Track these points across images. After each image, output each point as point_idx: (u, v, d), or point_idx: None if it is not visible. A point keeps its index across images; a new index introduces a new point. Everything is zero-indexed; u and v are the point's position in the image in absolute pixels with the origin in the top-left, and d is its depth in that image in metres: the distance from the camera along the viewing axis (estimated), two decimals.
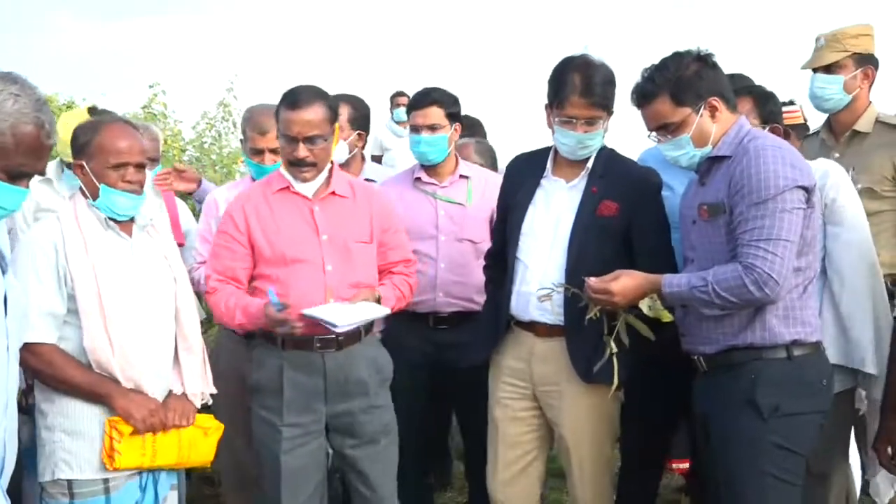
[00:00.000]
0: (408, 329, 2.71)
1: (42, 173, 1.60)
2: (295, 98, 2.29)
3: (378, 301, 2.33)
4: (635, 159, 2.61)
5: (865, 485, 2.63)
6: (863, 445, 2.51)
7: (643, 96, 2.09)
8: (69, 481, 2.01)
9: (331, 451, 2.43)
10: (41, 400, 2.06)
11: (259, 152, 2.72)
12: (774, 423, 1.95)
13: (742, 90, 2.28)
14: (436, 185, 2.89)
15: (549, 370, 2.35)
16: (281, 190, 2.36)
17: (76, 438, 2.03)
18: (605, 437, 2.39)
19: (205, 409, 2.26)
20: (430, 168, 2.90)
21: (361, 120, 3.17)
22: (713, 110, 2.05)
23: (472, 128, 3.62)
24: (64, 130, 2.39)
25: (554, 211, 2.35)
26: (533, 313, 2.34)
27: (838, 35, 2.80)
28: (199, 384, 2.21)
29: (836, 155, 2.79)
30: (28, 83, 1.51)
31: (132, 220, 2.15)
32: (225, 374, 2.60)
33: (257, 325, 2.27)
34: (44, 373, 2.02)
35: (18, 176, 1.52)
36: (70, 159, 2.38)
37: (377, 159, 6.15)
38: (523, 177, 2.45)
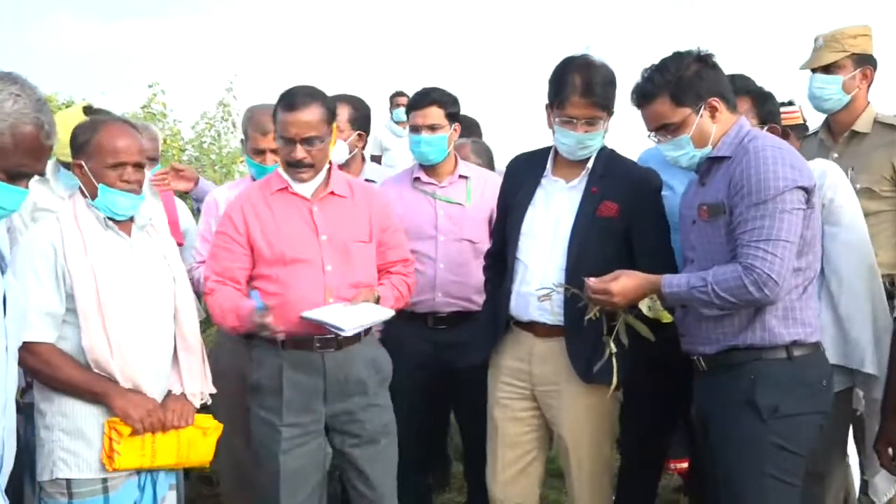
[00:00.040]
0: (407, 329, 2.71)
1: (42, 174, 1.60)
2: (292, 99, 2.29)
3: (377, 301, 2.33)
4: (635, 160, 2.61)
5: (864, 485, 2.63)
6: (861, 446, 2.52)
7: (643, 96, 2.09)
8: (68, 480, 2.01)
9: (330, 450, 2.43)
10: (40, 399, 2.06)
11: (261, 152, 2.72)
12: (774, 423, 1.95)
13: (740, 90, 2.28)
14: (435, 185, 2.89)
15: (548, 370, 2.35)
16: (279, 190, 2.36)
17: (75, 438, 2.02)
18: (603, 438, 2.39)
19: (204, 408, 2.26)
20: (430, 168, 2.90)
21: (362, 120, 3.17)
22: (713, 111, 2.05)
23: (468, 128, 3.62)
24: (60, 130, 2.38)
25: (554, 211, 2.35)
26: (532, 313, 2.34)
27: (837, 35, 2.81)
28: (198, 384, 2.20)
29: (835, 155, 2.80)
30: (28, 83, 1.51)
31: (131, 219, 2.15)
32: (224, 373, 2.59)
33: (248, 329, 2.27)
34: (42, 372, 2.02)
35: (18, 176, 1.51)
36: (66, 158, 2.38)
37: (377, 159, 6.15)
38: (523, 177, 2.45)
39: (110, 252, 2.08)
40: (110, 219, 2.10)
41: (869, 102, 2.84)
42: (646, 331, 2.13)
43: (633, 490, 2.71)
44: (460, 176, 2.92)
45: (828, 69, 2.80)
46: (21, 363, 1.77)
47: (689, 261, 2.14)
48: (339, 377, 2.31)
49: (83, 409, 2.03)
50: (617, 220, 2.29)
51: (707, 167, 2.09)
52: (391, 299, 2.38)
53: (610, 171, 2.33)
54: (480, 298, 2.68)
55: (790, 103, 3.58)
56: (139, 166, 2.11)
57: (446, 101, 2.86)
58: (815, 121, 3.19)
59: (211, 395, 2.26)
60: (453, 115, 2.87)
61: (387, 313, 2.31)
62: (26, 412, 2.10)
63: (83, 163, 2.08)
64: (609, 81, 2.27)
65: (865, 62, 2.81)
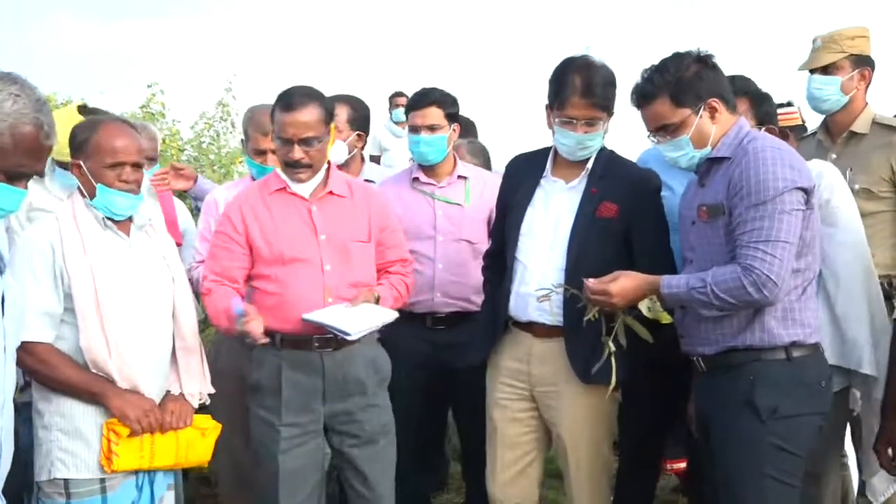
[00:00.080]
0: (405, 329, 2.70)
1: (41, 174, 1.59)
2: (289, 100, 2.29)
3: (377, 301, 2.33)
4: (634, 160, 2.62)
5: (862, 485, 2.63)
6: (859, 446, 2.52)
7: (643, 97, 2.09)
8: (65, 480, 2.01)
9: (329, 451, 2.43)
10: (38, 399, 2.06)
11: (262, 153, 2.72)
12: (773, 424, 1.95)
13: (738, 91, 2.29)
14: (434, 185, 2.90)
15: (547, 371, 2.35)
16: (278, 190, 2.36)
17: (73, 438, 2.02)
18: (602, 438, 2.39)
19: (203, 408, 2.26)
20: (429, 168, 2.90)
21: (361, 121, 3.17)
22: (713, 111, 2.05)
23: (465, 128, 3.62)
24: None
25: (553, 212, 2.35)
26: (532, 314, 2.34)
27: (835, 36, 2.81)
28: (197, 384, 2.20)
29: (833, 156, 2.80)
30: (28, 83, 1.51)
31: (130, 219, 2.15)
32: (223, 373, 2.59)
33: (229, 328, 2.24)
34: (40, 372, 2.02)
35: (17, 177, 1.51)
36: (61, 157, 2.37)
37: (376, 160, 6.15)
38: (522, 177, 2.45)
39: (109, 252, 2.08)
40: (109, 218, 2.10)
41: (867, 103, 2.84)
42: (644, 332, 2.13)
43: (632, 490, 2.71)
44: (459, 176, 2.92)
45: (826, 70, 2.81)
46: (19, 363, 1.77)
47: (689, 261, 2.14)
48: (337, 377, 2.31)
49: (81, 409, 2.03)
50: (616, 220, 2.29)
51: (706, 168, 2.09)
52: (390, 299, 2.38)
53: (609, 172, 2.33)
54: (479, 299, 2.68)
55: (789, 104, 3.58)
56: (137, 166, 2.10)
57: (446, 102, 2.86)
58: (813, 122, 3.19)
59: (210, 394, 2.26)
60: (453, 116, 2.87)
61: (390, 315, 2.31)
62: (24, 412, 2.10)
63: (81, 163, 2.08)
64: (609, 82, 2.28)
65: (863, 63, 2.82)
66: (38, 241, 2.03)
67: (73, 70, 12.86)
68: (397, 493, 2.47)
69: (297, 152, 2.28)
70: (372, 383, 2.37)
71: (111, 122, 2.14)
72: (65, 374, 2.00)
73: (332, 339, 2.29)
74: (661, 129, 2.08)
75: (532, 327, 2.36)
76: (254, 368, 2.36)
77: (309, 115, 2.27)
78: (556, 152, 2.39)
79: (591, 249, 2.27)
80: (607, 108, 2.29)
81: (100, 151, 2.06)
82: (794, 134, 3.15)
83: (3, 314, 1.54)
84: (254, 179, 2.70)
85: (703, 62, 2.07)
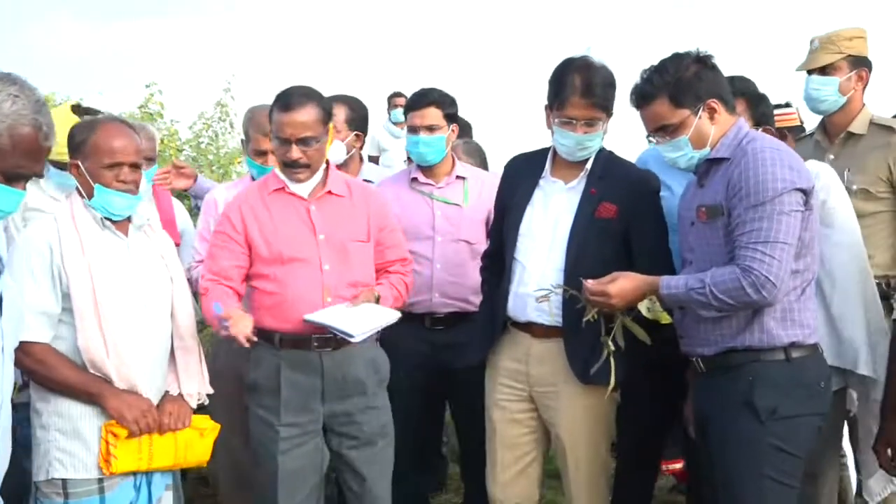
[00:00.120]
0: (404, 330, 2.70)
1: (40, 175, 1.59)
2: (287, 100, 2.29)
3: (377, 301, 2.33)
4: (633, 161, 2.62)
5: (860, 485, 2.63)
6: (857, 447, 2.52)
7: (642, 97, 2.09)
8: (63, 481, 2.01)
9: (327, 452, 2.43)
10: (36, 399, 2.06)
11: (262, 153, 2.72)
12: (772, 425, 1.95)
13: (735, 92, 2.29)
14: (432, 185, 2.90)
15: (546, 371, 2.35)
16: (276, 190, 2.36)
17: (71, 438, 2.02)
18: (601, 438, 2.39)
19: (202, 408, 2.25)
20: (427, 169, 2.90)
21: (359, 121, 3.17)
22: (712, 112, 2.05)
23: (460, 129, 3.63)
24: None
25: (552, 212, 2.36)
26: (530, 314, 2.34)
27: (833, 37, 2.82)
28: (196, 384, 2.20)
29: (831, 156, 2.81)
30: (27, 84, 1.50)
31: (129, 219, 2.15)
32: (223, 373, 2.59)
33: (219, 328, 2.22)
34: (38, 373, 2.01)
35: (15, 178, 1.51)
36: (55, 157, 2.37)
37: (374, 160, 6.15)
38: (521, 177, 2.45)
39: (107, 252, 2.08)
40: (107, 219, 2.10)
41: (864, 104, 2.85)
42: (642, 334, 2.13)
43: (631, 491, 2.71)
44: (458, 177, 2.92)
45: (824, 71, 2.82)
46: (17, 363, 1.77)
47: (688, 262, 2.14)
48: (336, 377, 2.31)
49: (79, 410, 2.03)
50: (616, 221, 2.29)
51: (706, 168, 2.09)
52: (390, 299, 2.38)
53: (609, 173, 2.34)
54: (477, 299, 2.68)
55: (787, 105, 3.58)
56: (136, 167, 2.10)
57: (445, 102, 2.86)
58: (811, 123, 3.20)
59: (209, 395, 2.26)
60: (451, 116, 2.87)
61: (393, 315, 2.31)
62: (22, 412, 2.09)
63: (80, 163, 2.08)
64: (609, 83, 2.28)
65: (861, 64, 2.83)
66: (36, 240, 2.03)
67: (72, 70, 12.86)
68: (396, 493, 2.47)
69: (295, 152, 2.28)
70: (371, 383, 2.37)
71: (109, 123, 2.13)
72: (62, 374, 2.00)
73: (331, 339, 2.29)
74: (661, 130, 2.08)
75: (530, 328, 2.36)
76: (252, 368, 2.36)
77: (307, 115, 2.27)
78: (555, 153, 2.39)
79: (590, 250, 2.27)
80: (607, 108, 2.29)
81: (98, 152, 2.06)
82: (793, 134, 3.16)
83: (0, 314, 1.54)
84: (254, 180, 2.70)
85: (703, 63, 2.07)
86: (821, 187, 2.26)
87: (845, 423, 2.55)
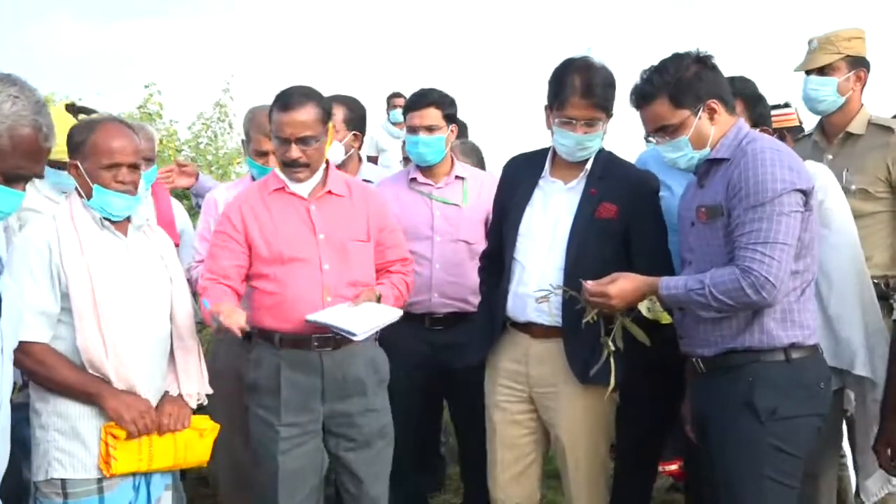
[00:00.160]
0: (403, 330, 2.70)
1: (40, 176, 1.59)
2: (286, 99, 2.29)
3: (378, 300, 2.33)
4: (633, 161, 2.62)
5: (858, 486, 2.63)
6: (854, 447, 2.52)
7: (642, 98, 2.08)
8: (63, 481, 2.01)
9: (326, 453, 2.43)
10: (35, 399, 2.06)
11: (263, 154, 2.72)
12: (772, 425, 1.95)
13: (733, 92, 2.29)
14: (431, 185, 2.90)
15: (545, 371, 2.35)
16: (276, 190, 2.36)
17: (70, 438, 2.02)
18: (600, 439, 2.39)
19: (201, 408, 2.25)
20: (426, 169, 2.90)
21: (357, 121, 3.17)
22: (712, 112, 2.05)
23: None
24: None
25: (552, 212, 2.36)
26: (530, 314, 2.34)
27: (831, 38, 2.82)
28: (195, 384, 2.20)
29: (830, 157, 2.81)
30: (28, 85, 1.50)
31: (128, 219, 2.15)
32: (222, 373, 2.60)
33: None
34: (38, 374, 2.01)
35: (15, 179, 1.50)
36: (51, 156, 2.36)
37: (373, 160, 6.15)
38: (520, 177, 2.45)
39: (106, 252, 2.08)
40: (106, 219, 2.10)
41: (863, 104, 2.85)
42: (642, 335, 2.13)
43: (631, 491, 2.71)
44: (457, 177, 2.92)
45: (822, 71, 2.82)
46: (16, 364, 1.77)
47: (687, 263, 2.14)
48: (336, 377, 2.31)
49: (78, 410, 2.03)
50: (616, 221, 2.29)
51: (706, 169, 2.09)
52: (391, 298, 2.39)
53: (608, 173, 2.34)
54: (477, 299, 2.68)
55: (787, 105, 3.59)
56: (134, 167, 2.10)
57: (444, 103, 2.86)
58: (810, 123, 3.20)
59: (208, 395, 2.26)
60: (451, 117, 2.88)
61: (394, 314, 2.31)
62: (21, 412, 2.09)
63: (79, 163, 2.08)
64: (609, 83, 2.28)
65: (859, 64, 2.83)
66: (35, 240, 2.03)
67: (72, 70, 12.85)
68: (395, 493, 2.48)
69: (295, 151, 2.29)
70: (371, 383, 2.37)
71: (108, 123, 2.13)
72: (61, 374, 2.00)
73: (331, 339, 2.29)
74: (661, 130, 2.08)
75: (530, 328, 2.36)
76: (252, 368, 2.36)
77: (306, 114, 2.27)
78: (554, 153, 2.40)
79: (590, 250, 2.27)
80: (607, 108, 2.29)
81: (96, 152, 2.06)
82: (792, 135, 3.16)
83: (0, 315, 1.54)
84: (254, 180, 2.70)
85: (703, 63, 2.07)
86: (818, 188, 2.26)
87: (844, 423, 2.55)
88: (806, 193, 1.97)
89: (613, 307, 2.10)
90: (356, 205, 2.40)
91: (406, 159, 3.98)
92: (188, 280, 2.36)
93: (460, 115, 3.04)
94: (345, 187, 2.42)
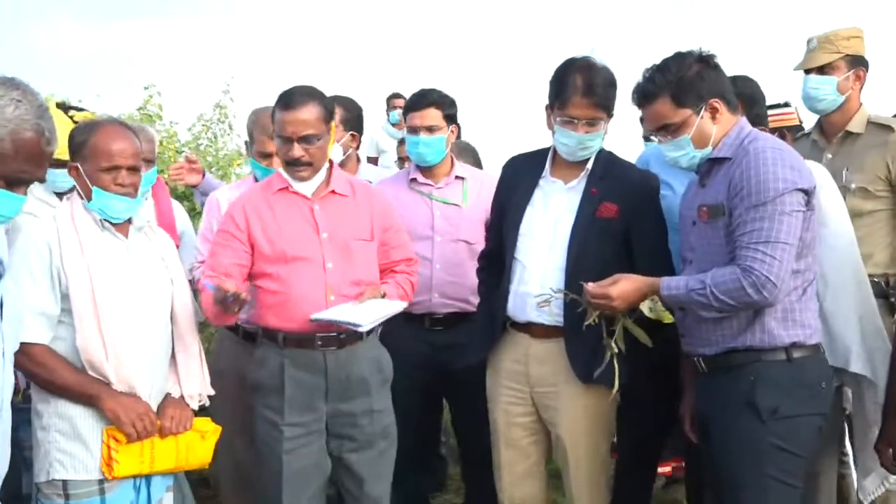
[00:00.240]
0: (404, 330, 2.71)
1: (42, 180, 1.59)
2: (289, 98, 2.30)
3: (382, 297, 2.33)
4: (635, 159, 2.62)
5: None
6: (854, 445, 2.52)
7: (644, 97, 2.09)
8: (64, 482, 2.01)
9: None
10: (37, 400, 2.06)
11: (267, 156, 2.72)
12: (773, 424, 1.95)
13: None
14: (431, 185, 2.90)
15: (546, 371, 2.35)
16: (280, 190, 2.37)
17: (71, 439, 2.02)
18: (601, 438, 2.40)
19: (203, 409, 2.26)
20: (426, 169, 2.91)
21: (354, 121, 3.18)
22: (714, 112, 2.05)
23: None
24: None
25: (552, 212, 2.36)
26: (530, 314, 2.34)
27: (831, 37, 2.83)
28: (197, 385, 2.20)
29: (829, 155, 2.82)
30: (30, 89, 1.50)
31: (129, 221, 2.15)
32: (225, 373, 2.60)
33: (221, 314, 2.22)
34: (39, 376, 2.01)
35: (17, 183, 1.50)
36: None
37: (373, 161, 6.15)
38: (520, 177, 2.45)
39: (107, 253, 2.08)
40: (107, 220, 2.10)
41: (861, 103, 2.86)
42: (644, 337, 2.14)
43: (631, 490, 2.72)
44: (457, 177, 2.93)
45: (822, 70, 2.82)
46: (17, 365, 1.77)
47: (688, 262, 2.14)
48: (340, 376, 2.31)
49: (80, 411, 2.03)
50: (616, 221, 2.29)
51: (707, 168, 2.09)
52: (396, 297, 2.39)
53: (609, 173, 2.34)
54: (477, 299, 2.68)
55: (787, 104, 3.59)
56: (134, 170, 2.10)
57: (444, 103, 2.87)
58: (810, 122, 3.21)
59: (210, 395, 2.26)
60: (451, 117, 2.88)
61: (398, 305, 2.32)
62: (23, 415, 2.09)
63: (79, 165, 2.08)
64: (610, 83, 2.28)
65: (858, 63, 2.84)
66: (35, 240, 2.03)
67: (71, 71, 12.81)
68: (396, 493, 2.48)
69: (297, 150, 2.29)
70: (375, 383, 2.37)
71: (108, 125, 2.13)
72: (61, 376, 2.00)
73: (334, 338, 2.29)
74: (662, 129, 2.09)
75: (530, 328, 2.37)
76: (256, 367, 2.36)
77: (308, 113, 2.28)
78: (555, 153, 2.40)
79: (590, 249, 2.27)
80: (608, 108, 2.30)
81: (96, 154, 2.06)
82: (792, 134, 3.16)
83: (1, 318, 1.54)
84: (257, 181, 2.71)
85: (705, 62, 2.07)
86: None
87: (846, 421, 2.55)
88: (807, 193, 1.97)
89: (615, 308, 2.10)
90: (360, 204, 2.40)
91: (402, 160, 3.99)
92: (190, 281, 2.36)
93: (465, 117, 3.05)
94: (348, 187, 2.42)
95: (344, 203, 2.39)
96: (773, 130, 2.66)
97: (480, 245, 2.74)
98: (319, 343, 2.29)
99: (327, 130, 2.35)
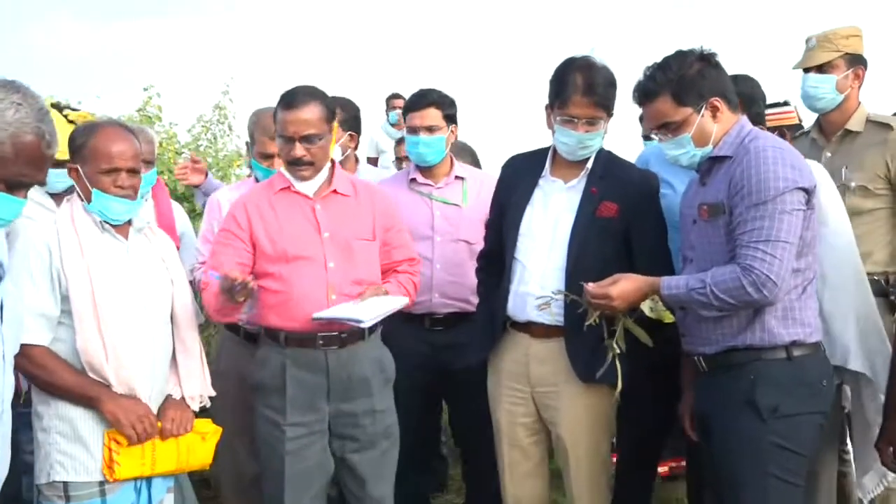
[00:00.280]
0: (404, 330, 2.71)
1: (42, 183, 1.59)
2: (291, 98, 2.30)
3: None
4: (635, 158, 2.62)
5: None
6: (853, 443, 2.52)
7: (645, 95, 2.09)
8: (65, 483, 2.01)
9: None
10: (38, 402, 2.06)
11: (268, 157, 2.73)
12: (774, 423, 1.95)
13: None
14: (431, 186, 2.91)
15: (546, 371, 2.35)
16: (282, 190, 2.37)
17: (72, 441, 2.02)
18: (601, 437, 2.40)
19: (204, 410, 2.25)
20: (426, 169, 2.91)
21: (351, 121, 3.19)
22: (714, 110, 2.05)
23: None
24: None
25: (552, 211, 2.36)
26: (530, 313, 2.34)
27: (830, 36, 2.83)
28: (197, 386, 2.20)
29: (828, 154, 2.82)
30: (30, 92, 1.50)
31: (129, 222, 2.15)
32: (225, 374, 2.60)
33: (225, 307, 2.23)
34: (39, 378, 2.01)
35: (17, 186, 1.50)
36: None
37: (373, 161, 6.15)
38: (520, 177, 2.45)
39: (107, 254, 2.08)
40: (106, 222, 2.10)
41: (860, 102, 2.86)
42: (644, 336, 2.14)
43: (631, 490, 2.72)
44: (456, 177, 2.93)
45: (821, 69, 2.83)
46: (17, 367, 1.77)
47: (689, 260, 2.14)
48: (342, 376, 2.31)
49: (80, 413, 2.03)
50: (616, 220, 2.30)
51: (708, 167, 2.09)
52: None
53: (609, 172, 2.34)
54: (477, 299, 2.68)
55: (786, 103, 3.59)
56: (134, 172, 2.10)
57: (444, 103, 2.87)
58: (809, 121, 3.21)
59: (211, 397, 2.26)
60: (451, 117, 2.88)
61: (400, 301, 2.32)
62: (23, 417, 2.09)
63: (79, 167, 2.08)
64: (610, 83, 2.29)
65: (857, 62, 2.84)
66: (35, 242, 2.03)
67: (71, 71, 12.79)
68: (396, 493, 2.47)
69: (299, 150, 2.29)
70: (377, 383, 2.37)
71: (108, 127, 2.13)
72: (61, 378, 2.00)
73: (335, 337, 2.30)
74: (663, 127, 2.08)
75: (530, 327, 2.37)
76: (258, 368, 2.36)
77: (310, 112, 2.29)
78: (554, 152, 2.40)
79: (591, 249, 2.27)
80: (608, 107, 2.30)
81: (96, 157, 2.06)
82: (792, 133, 3.16)
83: (1, 321, 1.54)
84: (258, 182, 2.71)
85: (706, 61, 2.07)
86: None
87: (846, 419, 2.55)
88: (808, 191, 1.97)
89: (616, 308, 2.10)
90: (362, 204, 2.41)
91: (399, 159, 3.99)
92: (191, 282, 2.36)
93: (464, 117, 3.04)
94: (350, 187, 2.42)
95: (346, 203, 2.39)
96: (772, 129, 2.66)
97: (480, 245, 2.74)
98: (321, 342, 2.29)
99: (329, 130, 2.35)
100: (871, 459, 2.24)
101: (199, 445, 2.15)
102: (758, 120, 2.47)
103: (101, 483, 2.03)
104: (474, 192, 2.90)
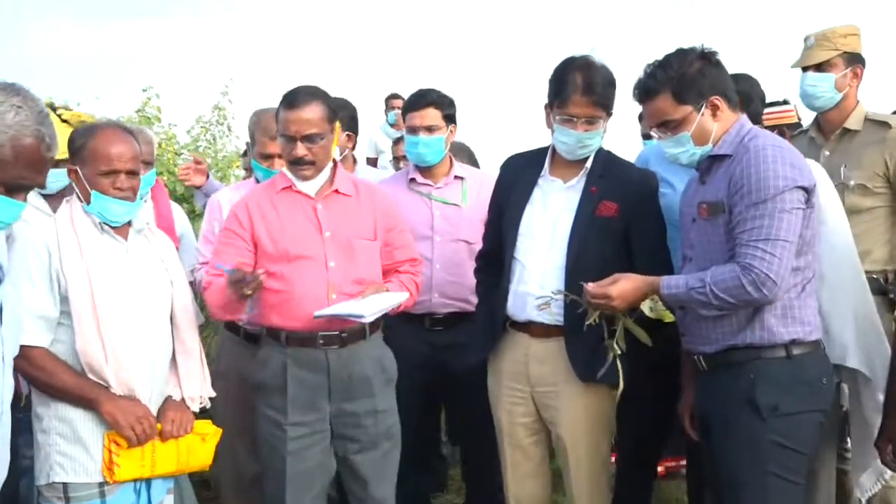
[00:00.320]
0: (404, 330, 2.72)
1: (42, 186, 1.59)
2: (293, 98, 2.31)
3: None
4: (635, 157, 2.62)
5: None
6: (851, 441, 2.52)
7: (645, 93, 2.08)
8: (64, 485, 2.01)
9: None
10: (37, 403, 2.05)
11: (268, 157, 2.73)
12: (774, 421, 1.95)
13: None
14: (431, 186, 2.91)
15: (546, 371, 2.35)
16: (284, 189, 2.38)
17: (72, 442, 2.02)
18: (601, 437, 2.40)
19: (204, 411, 2.25)
20: (425, 169, 2.91)
21: (349, 121, 3.19)
22: (715, 109, 2.05)
23: None
24: None
25: (552, 211, 2.36)
26: (530, 313, 2.34)
27: (828, 34, 2.83)
28: (197, 387, 2.20)
29: (827, 153, 2.82)
30: (30, 95, 1.50)
31: (128, 223, 2.15)
32: (225, 374, 2.60)
33: (231, 302, 2.23)
34: (38, 379, 2.01)
35: (17, 189, 1.50)
36: None
37: (373, 162, 6.15)
38: (519, 176, 2.45)
39: (106, 255, 2.08)
40: (106, 223, 2.10)
41: (859, 100, 2.86)
42: (644, 336, 2.14)
43: (631, 490, 2.72)
44: (456, 177, 2.93)
45: (820, 67, 2.83)
46: (16, 369, 1.76)
47: (688, 259, 2.14)
48: (342, 375, 2.31)
49: (80, 414, 2.02)
50: (616, 219, 2.30)
51: (708, 165, 2.09)
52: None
53: (608, 172, 2.34)
54: (477, 299, 2.69)
55: (785, 102, 3.59)
56: (133, 173, 2.09)
57: (443, 103, 2.87)
58: (808, 120, 3.21)
59: (211, 397, 2.26)
60: (450, 117, 2.88)
61: (401, 296, 2.33)
62: (23, 420, 2.09)
63: (78, 169, 2.08)
64: (609, 82, 2.29)
65: (856, 61, 2.84)
66: (34, 242, 2.02)
67: (70, 72, 12.79)
68: (397, 493, 2.47)
69: (301, 149, 2.29)
70: (379, 383, 2.37)
71: (107, 129, 2.13)
72: (60, 379, 2.00)
73: (336, 337, 2.30)
74: (663, 126, 2.08)
75: (529, 327, 2.37)
76: (259, 368, 2.36)
77: (312, 112, 2.29)
78: (553, 152, 2.40)
79: (590, 248, 2.28)
80: (607, 107, 2.30)
81: (95, 158, 2.05)
82: (791, 131, 3.17)
83: (1, 323, 1.54)
84: (258, 183, 2.71)
85: (707, 59, 2.07)
86: None
87: (846, 418, 2.55)
88: (807, 190, 1.97)
89: (615, 308, 2.10)
90: (363, 204, 2.41)
91: (397, 159, 3.99)
92: (191, 283, 2.36)
93: (464, 117, 3.04)
94: (352, 187, 2.43)
95: (347, 203, 2.39)
96: (771, 128, 2.66)
97: (480, 245, 2.74)
98: (321, 342, 2.29)
99: (331, 130, 2.35)
100: (868, 458, 2.24)
101: (199, 446, 2.15)
102: (755, 119, 2.47)
103: (101, 484, 2.03)
104: (474, 191, 2.90)
